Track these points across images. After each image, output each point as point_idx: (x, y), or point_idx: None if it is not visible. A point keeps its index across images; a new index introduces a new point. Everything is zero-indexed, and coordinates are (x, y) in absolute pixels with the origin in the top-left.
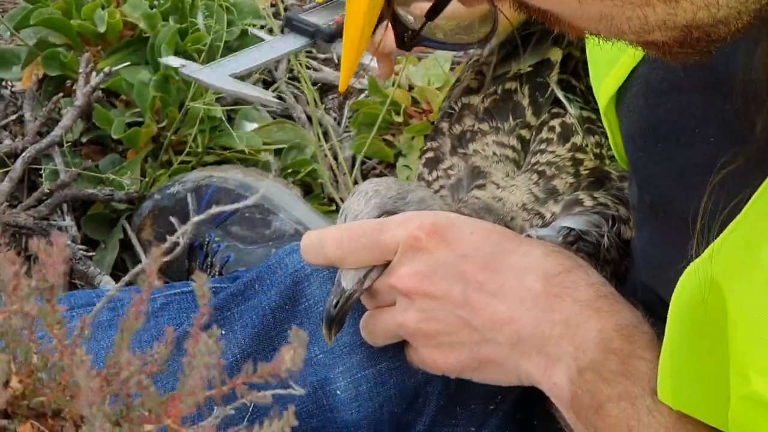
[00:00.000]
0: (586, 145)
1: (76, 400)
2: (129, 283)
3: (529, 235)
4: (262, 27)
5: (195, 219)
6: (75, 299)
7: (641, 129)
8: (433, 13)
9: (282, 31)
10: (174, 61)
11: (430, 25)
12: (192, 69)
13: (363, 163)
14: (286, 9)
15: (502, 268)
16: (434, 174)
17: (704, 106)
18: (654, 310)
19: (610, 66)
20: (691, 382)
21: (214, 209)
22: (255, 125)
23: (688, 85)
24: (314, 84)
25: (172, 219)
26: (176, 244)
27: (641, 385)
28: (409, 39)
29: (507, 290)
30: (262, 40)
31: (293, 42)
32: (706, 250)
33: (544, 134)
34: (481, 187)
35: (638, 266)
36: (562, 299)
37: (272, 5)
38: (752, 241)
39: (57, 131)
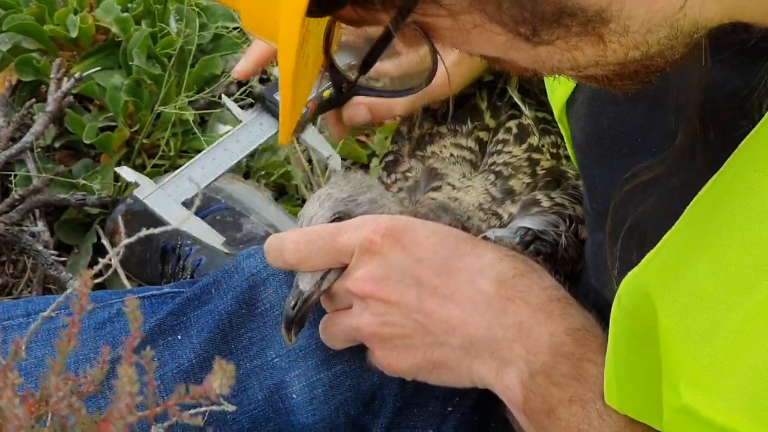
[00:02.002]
0: (543, 146)
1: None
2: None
3: (486, 236)
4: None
5: (125, 241)
6: (33, 305)
7: (586, 137)
8: (364, 67)
9: (253, 105)
10: (129, 175)
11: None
12: (145, 190)
13: None
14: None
15: (456, 272)
16: (392, 177)
17: (646, 116)
18: (604, 313)
19: None
20: (634, 387)
21: (144, 232)
22: (228, 127)
23: (630, 95)
24: None
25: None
26: (108, 265)
27: (592, 389)
28: (346, 89)
29: (461, 294)
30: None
31: (259, 132)
32: (641, 262)
33: (500, 135)
34: (436, 189)
35: (589, 269)
36: (515, 303)
37: None
38: (683, 254)
39: (28, 137)
